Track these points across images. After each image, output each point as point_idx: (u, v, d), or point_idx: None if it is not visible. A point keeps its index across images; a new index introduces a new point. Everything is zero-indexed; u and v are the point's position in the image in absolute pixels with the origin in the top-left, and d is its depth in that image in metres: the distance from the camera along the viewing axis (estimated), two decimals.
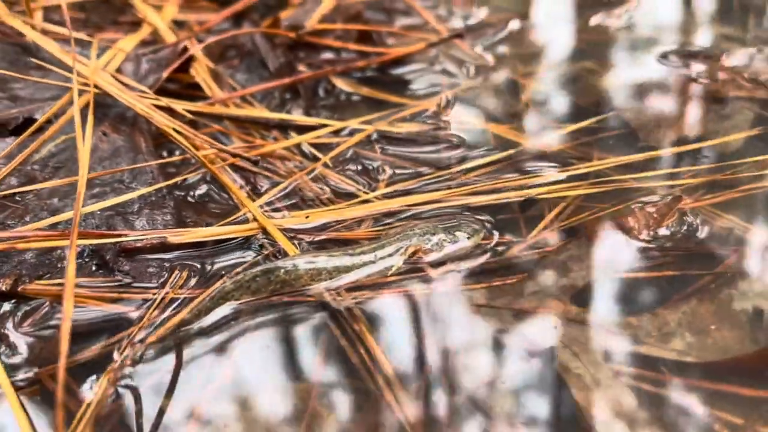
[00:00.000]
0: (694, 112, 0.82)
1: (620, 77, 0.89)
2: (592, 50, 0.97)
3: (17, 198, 0.68)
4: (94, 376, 0.54)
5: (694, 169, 0.73)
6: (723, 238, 0.65)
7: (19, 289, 0.60)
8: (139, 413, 0.54)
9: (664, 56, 0.92)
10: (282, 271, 0.60)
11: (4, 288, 0.60)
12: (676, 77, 0.88)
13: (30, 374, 0.55)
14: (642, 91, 0.87)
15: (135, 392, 0.54)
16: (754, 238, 0.65)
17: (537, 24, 1.02)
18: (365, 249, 0.63)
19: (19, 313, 0.59)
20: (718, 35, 0.97)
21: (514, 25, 1.01)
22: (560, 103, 0.86)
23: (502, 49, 0.96)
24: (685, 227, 0.65)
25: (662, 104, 0.84)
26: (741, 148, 0.76)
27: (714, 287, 0.61)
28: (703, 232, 0.65)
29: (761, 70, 0.87)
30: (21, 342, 0.57)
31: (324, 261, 0.61)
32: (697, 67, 0.89)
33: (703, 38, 0.96)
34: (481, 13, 1.04)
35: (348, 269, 0.62)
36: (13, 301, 0.60)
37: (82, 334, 0.58)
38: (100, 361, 0.56)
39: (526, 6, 1.06)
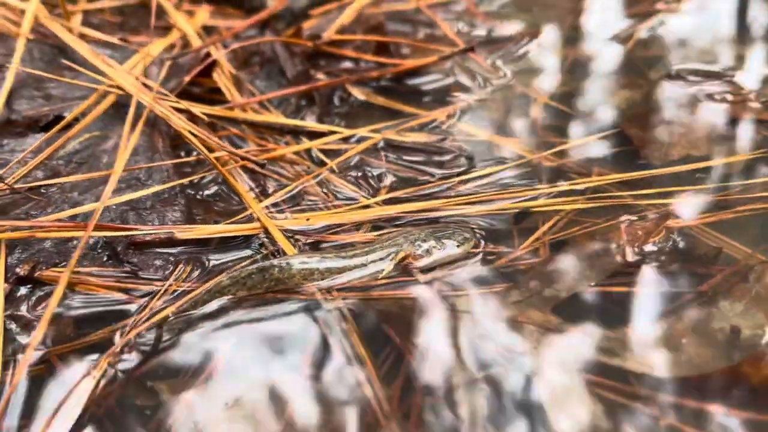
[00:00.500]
0: (699, 132, 0.83)
1: (631, 94, 0.91)
2: (609, 66, 0.98)
3: (42, 190, 0.73)
4: (96, 357, 0.59)
5: (690, 188, 0.74)
6: (710, 258, 0.66)
7: (35, 274, 0.65)
8: (134, 395, 0.58)
9: (677, 74, 0.93)
10: (276, 269, 0.64)
11: (22, 273, 0.64)
12: (686, 96, 0.89)
13: (39, 353, 0.59)
14: (650, 108, 0.88)
15: (132, 374, 0.58)
16: (741, 259, 0.66)
17: (556, 39, 1.04)
18: (357, 252, 0.66)
19: (34, 297, 0.64)
20: (734, 56, 0.97)
21: (533, 39, 1.03)
22: (569, 118, 0.88)
23: (518, 62, 0.98)
24: (671, 245, 0.66)
25: (668, 122, 0.85)
26: (742, 169, 0.77)
27: (695, 305, 0.62)
28: (690, 251, 0.66)
29: None
30: (34, 323, 0.62)
31: (316, 262, 0.64)
32: (709, 87, 0.90)
33: (718, 58, 0.96)
34: (502, 27, 1.06)
35: (340, 271, 0.65)
36: (29, 285, 0.65)
37: (91, 319, 0.63)
38: (103, 344, 0.60)
39: (546, 21, 1.07)
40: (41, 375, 0.58)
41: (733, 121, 0.85)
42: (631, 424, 0.54)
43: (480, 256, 0.68)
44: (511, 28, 1.06)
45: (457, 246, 0.67)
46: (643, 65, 0.97)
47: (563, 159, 0.80)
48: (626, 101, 0.90)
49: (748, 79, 0.92)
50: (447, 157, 0.82)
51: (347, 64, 0.97)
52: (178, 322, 0.62)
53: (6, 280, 0.64)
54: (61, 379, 0.57)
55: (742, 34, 1.03)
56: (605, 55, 0.99)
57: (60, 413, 0.55)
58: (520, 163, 0.80)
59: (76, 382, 0.57)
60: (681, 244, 0.67)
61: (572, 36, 1.04)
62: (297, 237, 0.69)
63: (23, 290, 0.64)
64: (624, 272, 0.65)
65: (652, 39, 1.02)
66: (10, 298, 0.63)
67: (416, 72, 0.95)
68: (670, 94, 0.90)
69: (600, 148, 0.82)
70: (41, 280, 0.65)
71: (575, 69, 0.97)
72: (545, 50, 1.01)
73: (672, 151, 0.80)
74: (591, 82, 0.94)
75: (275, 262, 0.64)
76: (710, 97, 0.89)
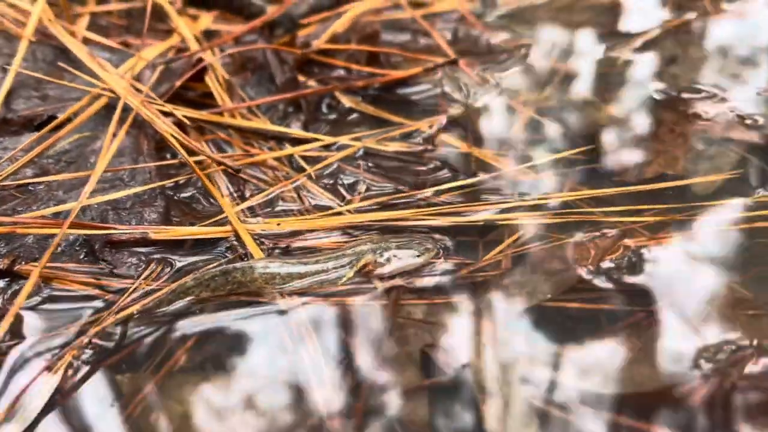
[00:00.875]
0: (678, 151, 0.83)
1: (615, 110, 0.91)
2: (597, 82, 0.98)
3: (30, 188, 0.77)
4: (61, 351, 0.62)
5: (657, 207, 0.74)
6: (666, 276, 0.66)
7: (15, 268, 0.68)
8: (97, 388, 0.61)
9: (663, 92, 0.93)
10: (238, 273, 0.66)
11: (2, 266, 0.68)
12: (669, 114, 0.89)
13: (6, 344, 0.62)
14: (632, 125, 0.88)
15: (95, 368, 0.61)
16: (697, 279, 0.66)
17: (549, 52, 1.04)
18: (319, 258, 0.68)
19: (10, 291, 0.67)
20: (726, 76, 0.97)
21: (526, 52, 1.04)
22: (550, 132, 0.89)
23: (507, 75, 0.99)
24: (627, 262, 0.67)
25: (648, 140, 0.85)
26: (714, 190, 0.77)
27: (645, 324, 0.63)
28: (644, 269, 0.67)
29: (758, 113, 0.88)
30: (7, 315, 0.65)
31: (278, 267, 0.67)
32: (694, 106, 0.90)
33: (709, 78, 0.96)
34: (497, 39, 1.07)
35: (301, 276, 0.67)
36: (7, 279, 0.68)
37: (59, 313, 0.66)
38: (69, 338, 0.63)
39: (541, 35, 1.08)
40: (5, 365, 0.61)
41: (712, 141, 0.85)
42: None
43: (441, 266, 0.69)
44: (505, 39, 1.07)
45: (418, 255, 0.68)
46: (631, 82, 0.97)
47: (539, 173, 0.81)
48: (609, 117, 0.90)
49: (737, 99, 0.92)
50: (425, 168, 0.83)
51: (340, 72, 0.99)
52: (143, 319, 0.65)
53: None
54: (26, 371, 0.60)
55: (741, 55, 1.03)
56: (595, 71, 1.00)
57: (23, 404, 0.58)
58: (496, 175, 0.81)
59: (40, 374, 0.60)
60: (637, 262, 0.67)
61: (564, 50, 1.05)
62: (263, 240, 0.71)
63: (1, 283, 0.68)
64: (579, 288, 0.66)
65: (646, 56, 1.02)
66: None
67: (406, 82, 0.97)
68: (654, 111, 0.91)
69: (576, 164, 0.82)
70: (20, 273, 0.68)
71: (563, 84, 0.98)
72: (536, 63, 1.02)
73: (647, 169, 0.81)
74: (577, 97, 0.95)
75: (238, 265, 0.67)
76: (697, 116, 0.89)
